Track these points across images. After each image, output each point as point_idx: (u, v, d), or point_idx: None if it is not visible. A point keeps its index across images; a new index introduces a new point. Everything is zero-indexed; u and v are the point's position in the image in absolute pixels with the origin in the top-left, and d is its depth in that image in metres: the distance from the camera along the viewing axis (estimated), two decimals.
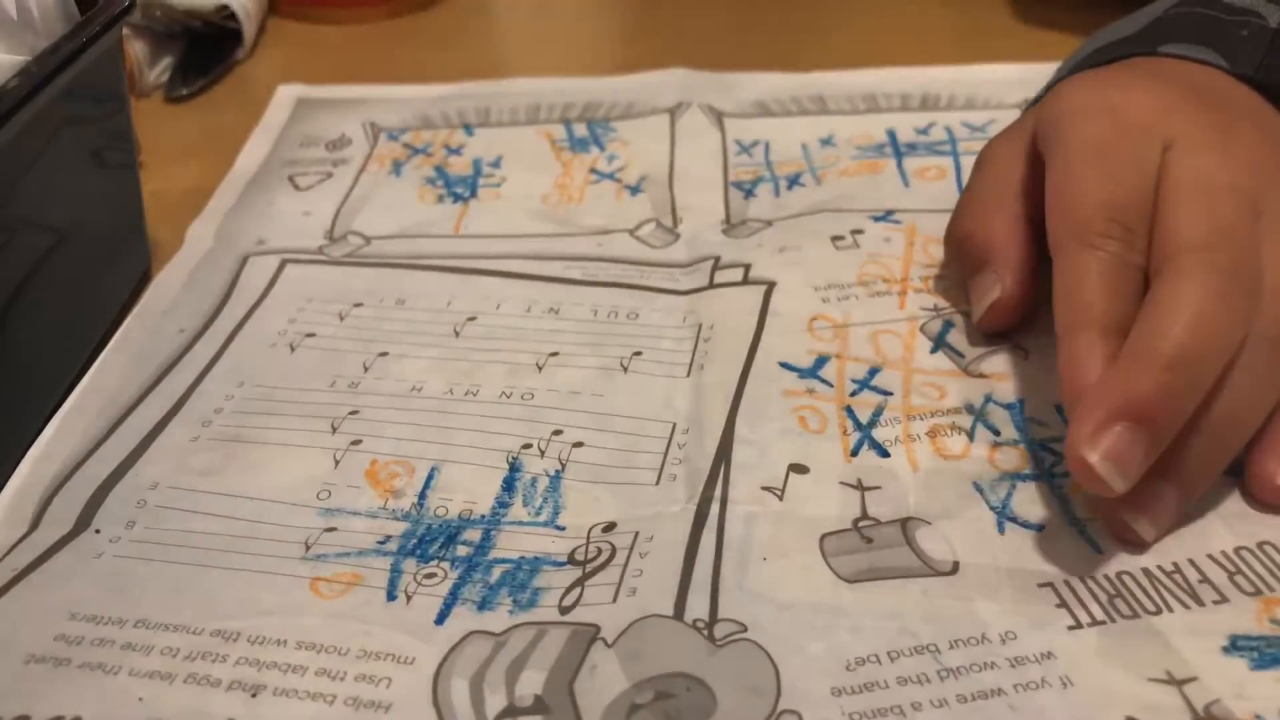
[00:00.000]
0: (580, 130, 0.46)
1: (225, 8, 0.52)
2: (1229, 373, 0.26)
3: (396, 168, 0.44)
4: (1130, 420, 0.24)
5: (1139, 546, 0.26)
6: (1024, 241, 0.32)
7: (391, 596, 0.26)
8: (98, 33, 0.33)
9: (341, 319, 0.36)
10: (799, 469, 0.29)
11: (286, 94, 0.50)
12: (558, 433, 0.31)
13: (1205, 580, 0.25)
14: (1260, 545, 0.26)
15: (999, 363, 0.32)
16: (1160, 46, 0.33)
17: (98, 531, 0.28)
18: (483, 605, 0.26)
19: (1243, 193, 0.28)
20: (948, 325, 0.33)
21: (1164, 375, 0.24)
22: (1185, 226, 0.27)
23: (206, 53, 0.52)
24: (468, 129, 0.47)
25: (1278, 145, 0.30)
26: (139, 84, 0.50)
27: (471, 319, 0.36)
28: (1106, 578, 0.26)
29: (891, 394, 0.31)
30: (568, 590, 0.26)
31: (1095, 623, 0.25)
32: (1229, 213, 0.27)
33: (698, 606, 0.25)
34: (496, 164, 0.44)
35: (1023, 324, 0.32)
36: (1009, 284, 0.31)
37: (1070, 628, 0.24)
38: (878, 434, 0.30)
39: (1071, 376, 0.26)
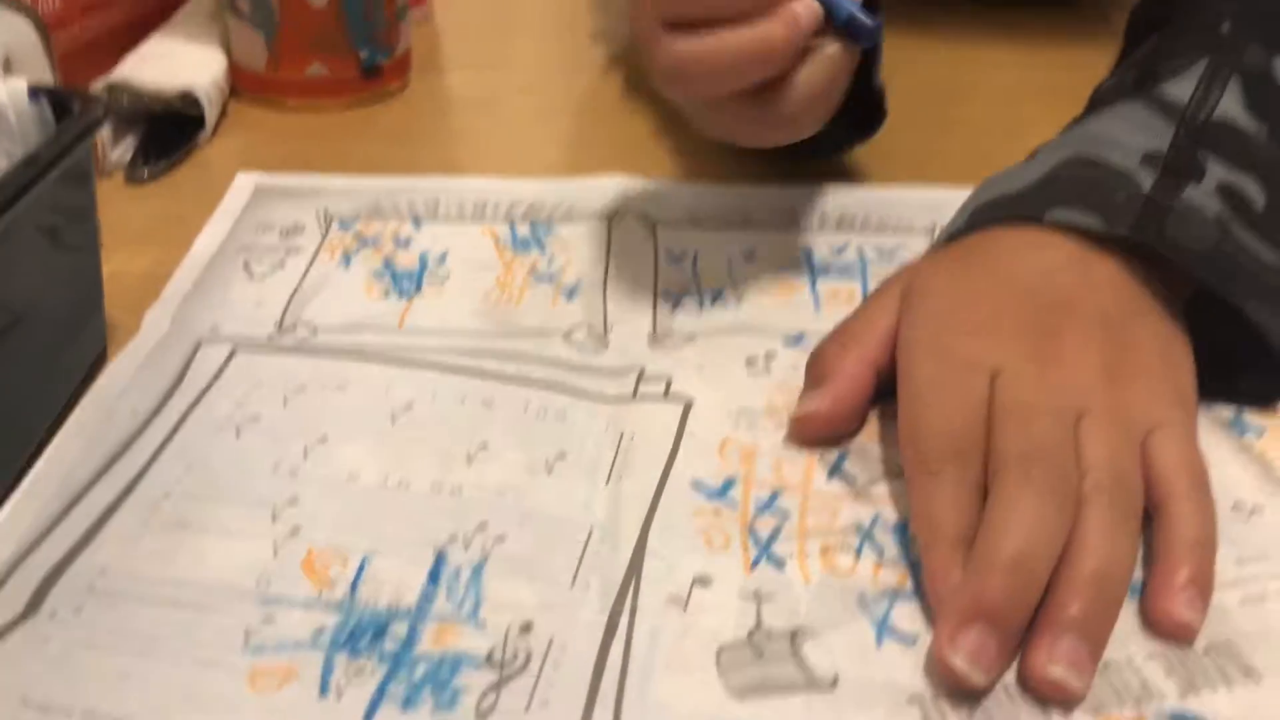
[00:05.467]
0: (523, 230, 0.49)
1: (189, 93, 0.55)
2: (1085, 541, 0.30)
3: (346, 259, 0.47)
4: (981, 620, 0.28)
5: (1070, 698, 0.28)
6: (861, 381, 0.37)
7: (324, 691, 0.29)
8: (72, 142, 0.35)
9: (285, 402, 0.39)
10: (703, 582, 0.32)
11: (245, 181, 0.52)
12: (482, 527, 0.34)
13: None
14: (1103, 665, 0.29)
15: (887, 489, 0.35)
16: (1046, 213, 0.38)
17: (50, 616, 0.31)
18: (406, 703, 0.29)
19: (1058, 409, 0.33)
20: (843, 455, 0.36)
21: (1002, 578, 0.29)
22: (1009, 444, 0.32)
23: (168, 135, 0.55)
24: (416, 222, 0.50)
25: (1107, 341, 0.35)
26: (101, 163, 0.52)
27: (408, 406, 0.38)
28: (969, 694, 0.29)
29: (790, 515, 0.34)
30: (485, 693, 0.29)
31: None
32: (1044, 428, 0.32)
33: (602, 719, 0.28)
34: (442, 259, 0.47)
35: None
36: (827, 406, 0.36)
37: None
38: (776, 549, 0.33)
39: (934, 589, 0.31)
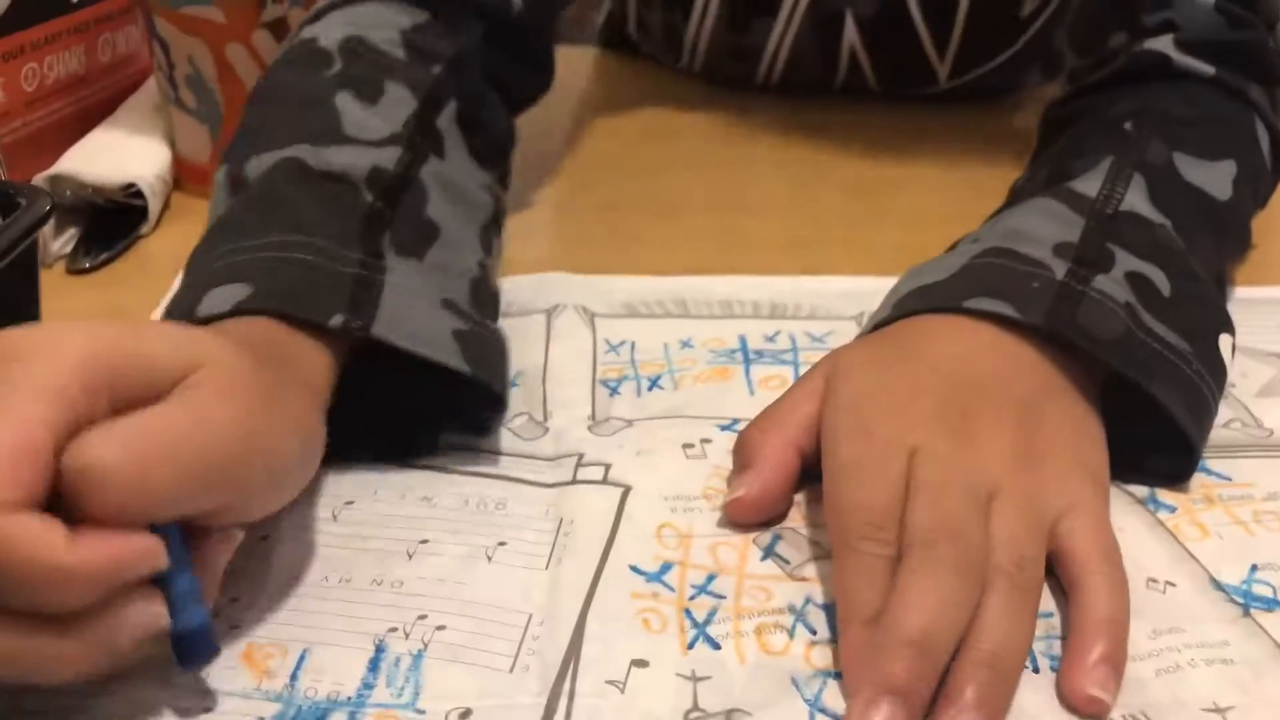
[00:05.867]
0: None
1: (132, 185, 0.55)
2: (984, 622, 0.31)
3: None
4: (889, 695, 0.30)
5: None
6: (785, 465, 0.38)
7: None
8: (20, 236, 0.36)
9: None
10: (640, 663, 0.32)
11: None
12: (422, 617, 0.34)
13: None
14: None
15: (818, 569, 0.36)
16: (964, 302, 0.40)
17: None
18: None
19: (969, 486, 0.34)
20: (776, 538, 0.37)
21: (907, 653, 0.30)
22: (919, 519, 0.33)
23: (111, 226, 0.55)
24: None
25: (1021, 422, 0.37)
26: (43, 254, 0.52)
27: (350, 503, 0.39)
28: None
29: (725, 597, 0.35)
30: None
31: None
32: (955, 505, 0.33)
33: None
34: None
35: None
36: (755, 490, 0.37)
37: None
38: (712, 630, 0.34)
39: (850, 665, 0.32)
